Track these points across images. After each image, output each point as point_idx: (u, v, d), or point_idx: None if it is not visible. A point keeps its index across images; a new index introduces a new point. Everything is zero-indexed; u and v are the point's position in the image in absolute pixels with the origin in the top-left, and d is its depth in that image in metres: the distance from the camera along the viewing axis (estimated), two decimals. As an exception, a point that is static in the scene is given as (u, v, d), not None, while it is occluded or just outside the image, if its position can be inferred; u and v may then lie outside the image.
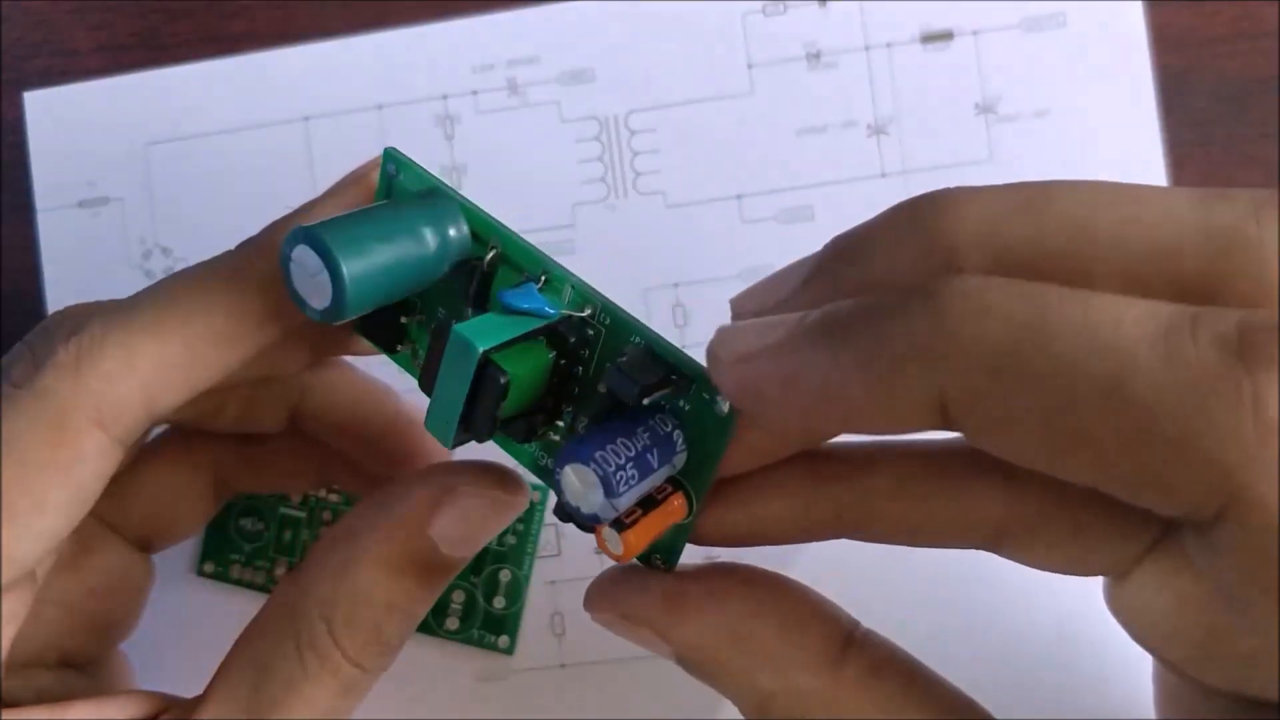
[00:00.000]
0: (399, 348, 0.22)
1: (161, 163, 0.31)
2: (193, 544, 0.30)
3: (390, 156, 0.21)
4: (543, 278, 0.20)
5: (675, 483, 0.19)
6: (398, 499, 0.21)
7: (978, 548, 0.20)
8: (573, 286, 0.19)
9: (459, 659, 0.30)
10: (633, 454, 0.18)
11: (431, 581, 0.21)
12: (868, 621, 0.20)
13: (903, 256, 0.16)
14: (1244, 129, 0.30)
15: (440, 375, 0.19)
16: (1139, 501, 0.14)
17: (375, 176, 0.22)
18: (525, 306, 0.19)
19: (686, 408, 0.18)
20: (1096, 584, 0.22)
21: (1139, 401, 0.13)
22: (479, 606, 0.30)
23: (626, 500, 0.18)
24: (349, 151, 0.31)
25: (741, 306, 0.19)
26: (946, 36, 0.30)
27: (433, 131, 0.31)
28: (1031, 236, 0.15)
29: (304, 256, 0.19)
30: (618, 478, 0.17)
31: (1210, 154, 0.30)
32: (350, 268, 0.18)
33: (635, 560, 0.20)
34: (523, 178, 0.31)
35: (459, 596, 0.30)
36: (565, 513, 0.18)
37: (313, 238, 0.18)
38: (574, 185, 0.31)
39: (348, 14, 0.31)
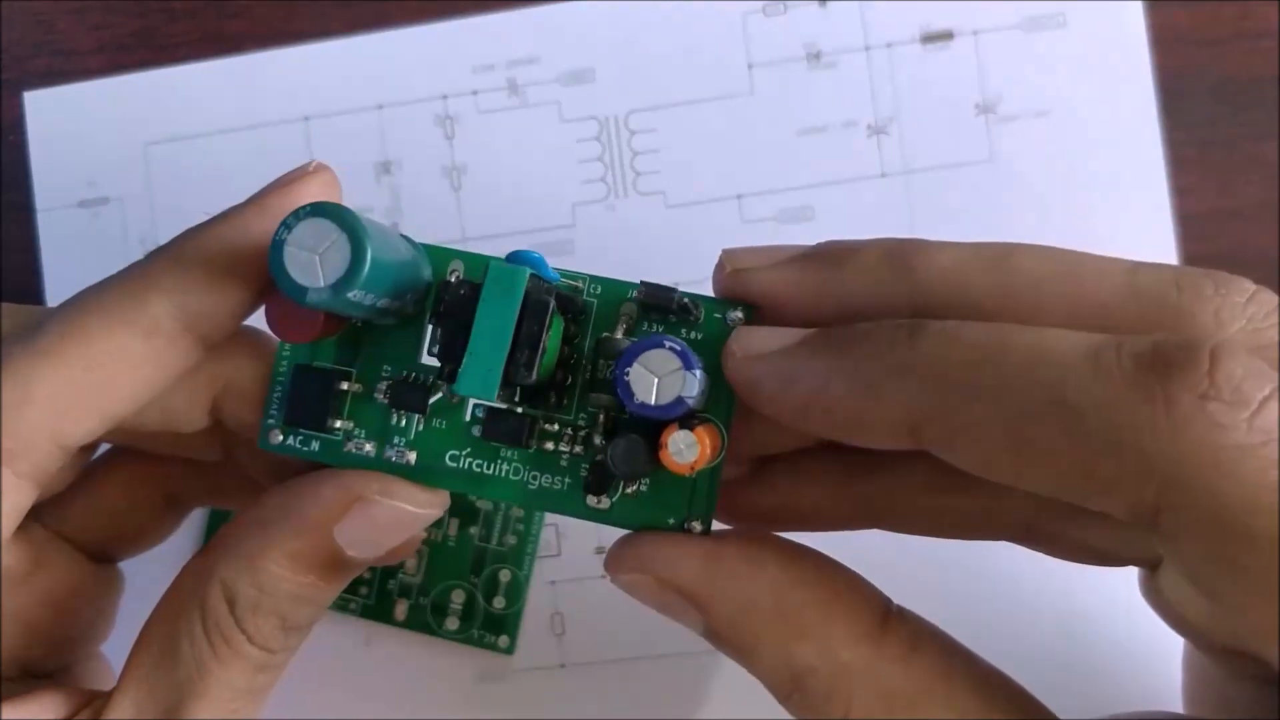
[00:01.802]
0: (337, 425, 0.21)
1: (161, 163, 0.31)
2: (198, 541, 0.30)
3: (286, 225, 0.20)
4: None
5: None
6: (308, 498, 0.20)
7: (1009, 540, 0.21)
8: (527, 274, 0.20)
9: (459, 659, 0.30)
10: (686, 345, 0.19)
11: (334, 578, 0.21)
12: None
13: (880, 275, 0.19)
14: (1244, 129, 0.30)
15: (477, 323, 0.18)
16: (1090, 504, 0.16)
17: (307, 189, 0.21)
18: (535, 258, 0.19)
19: (698, 336, 0.20)
20: (1103, 579, 0.22)
21: (1075, 407, 0.15)
22: (479, 606, 0.30)
23: (698, 381, 0.18)
24: (349, 151, 0.31)
25: (731, 256, 0.21)
26: (946, 36, 0.30)
27: (433, 131, 0.31)
28: (990, 289, 0.18)
29: (311, 229, 0.18)
30: (691, 354, 0.18)
31: (1210, 154, 0.30)
32: (369, 237, 0.18)
33: (669, 522, 0.20)
34: (523, 177, 0.31)
35: (459, 596, 0.30)
36: (628, 456, 0.19)
37: (326, 209, 0.18)
38: (574, 185, 0.31)
39: (348, 14, 0.31)
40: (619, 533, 0.21)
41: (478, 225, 0.31)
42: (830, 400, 0.18)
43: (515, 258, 0.20)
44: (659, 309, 0.20)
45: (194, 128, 0.31)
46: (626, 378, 0.18)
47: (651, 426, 0.19)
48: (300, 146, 0.31)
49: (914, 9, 0.30)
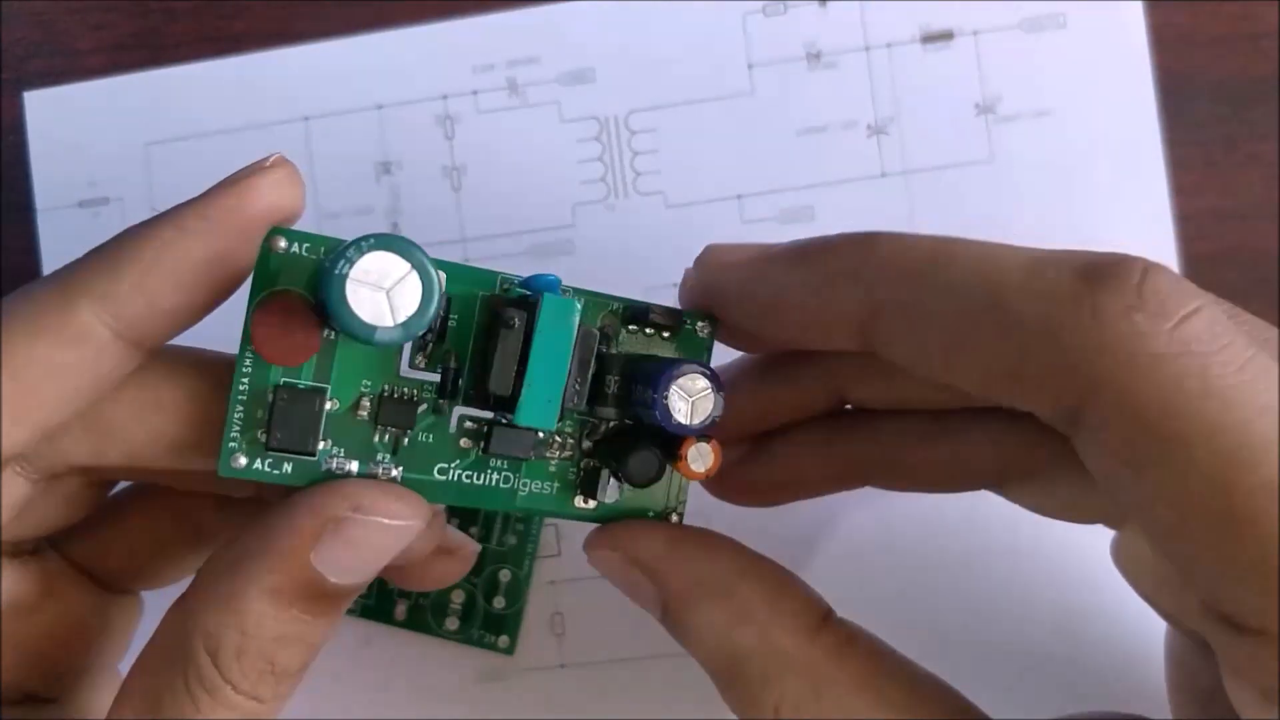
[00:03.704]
0: (319, 447, 0.19)
1: (161, 163, 0.31)
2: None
3: (279, 232, 0.19)
4: (503, 285, 0.20)
5: None
6: (281, 528, 0.19)
7: (985, 488, 0.23)
8: (579, 307, 0.20)
9: (459, 659, 0.30)
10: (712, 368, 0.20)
11: (323, 611, 0.19)
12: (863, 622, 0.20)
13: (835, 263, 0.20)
14: (1244, 129, 0.30)
15: (534, 356, 0.19)
16: (1020, 403, 0.17)
17: (258, 188, 0.19)
18: (553, 281, 0.20)
19: (675, 347, 0.21)
20: (1094, 578, 0.22)
21: (1011, 309, 0.16)
22: (479, 606, 0.30)
23: (722, 401, 0.20)
24: (349, 151, 0.31)
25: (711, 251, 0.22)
26: (946, 36, 0.30)
27: (433, 131, 0.31)
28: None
29: (375, 263, 0.17)
30: (714, 375, 0.19)
31: (1210, 154, 0.30)
32: (434, 268, 0.17)
33: (650, 515, 0.21)
34: (523, 178, 0.31)
35: (459, 596, 0.30)
36: (644, 466, 0.20)
37: (389, 241, 0.17)
38: (574, 185, 0.31)
39: (348, 14, 0.31)
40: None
41: (478, 225, 0.31)
42: (788, 303, 0.19)
43: (535, 283, 0.20)
44: (639, 320, 0.21)
45: (194, 128, 0.31)
46: (665, 401, 0.19)
47: (657, 435, 0.20)
48: (300, 146, 0.31)
49: (914, 9, 0.30)
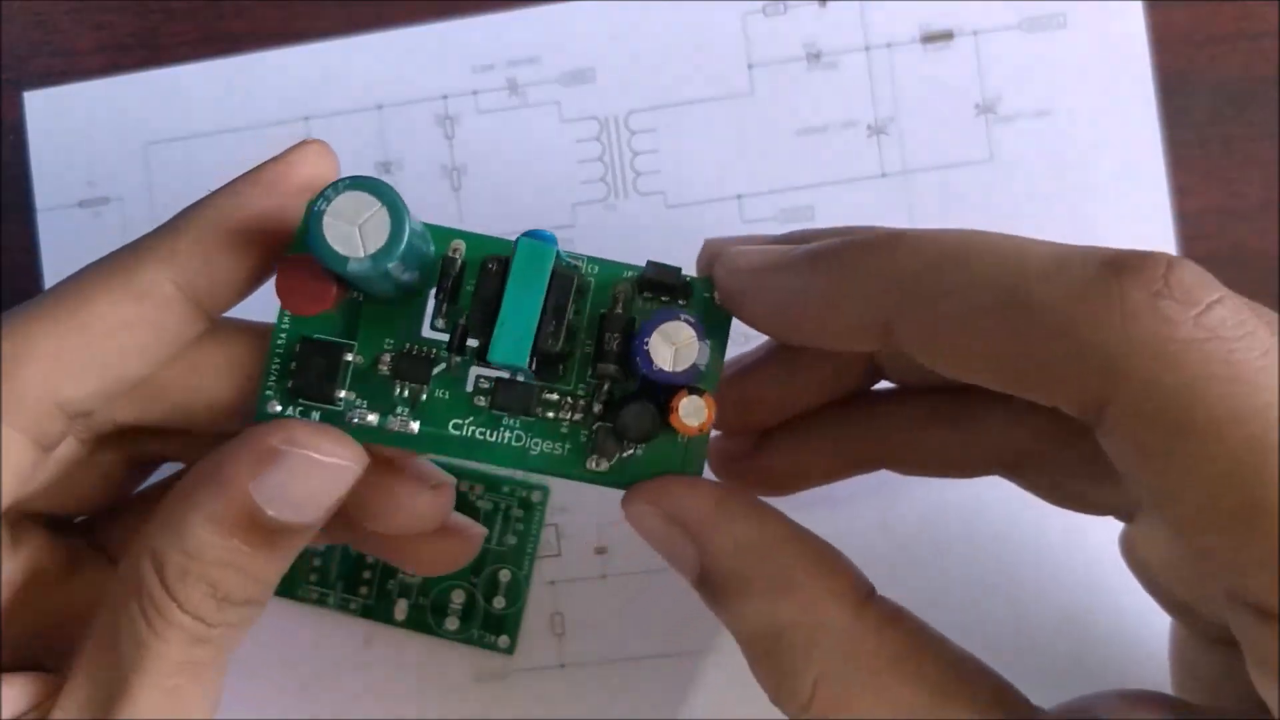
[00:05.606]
0: (340, 395, 0.21)
1: (161, 163, 0.31)
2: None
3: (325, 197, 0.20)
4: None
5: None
6: (226, 458, 0.20)
7: (997, 474, 0.22)
8: (556, 251, 0.21)
9: (459, 659, 0.30)
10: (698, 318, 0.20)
11: (263, 545, 0.20)
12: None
13: (853, 273, 0.20)
14: (1244, 129, 0.30)
15: (508, 296, 0.19)
16: (1044, 397, 0.17)
17: (299, 169, 0.21)
18: (549, 236, 0.20)
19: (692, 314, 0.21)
20: (1098, 571, 0.22)
21: (1037, 303, 0.16)
22: (479, 606, 0.30)
23: (709, 350, 0.20)
24: (349, 151, 0.31)
25: (713, 244, 0.22)
26: (946, 36, 0.30)
27: (433, 131, 0.31)
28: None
29: (350, 201, 0.19)
30: (702, 325, 0.19)
31: (1210, 154, 0.30)
32: (406, 209, 0.19)
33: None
34: (523, 178, 0.31)
35: (459, 596, 0.30)
36: (637, 420, 0.20)
37: (364, 182, 0.19)
38: (574, 185, 0.31)
39: (348, 14, 0.31)
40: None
41: (478, 225, 0.31)
42: (805, 312, 0.19)
43: (533, 236, 0.20)
44: (664, 286, 0.21)
45: (194, 128, 0.31)
46: (646, 346, 0.19)
47: (656, 395, 0.20)
48: (300, 146, 0.31)
49: (914, 9, 0.30)
